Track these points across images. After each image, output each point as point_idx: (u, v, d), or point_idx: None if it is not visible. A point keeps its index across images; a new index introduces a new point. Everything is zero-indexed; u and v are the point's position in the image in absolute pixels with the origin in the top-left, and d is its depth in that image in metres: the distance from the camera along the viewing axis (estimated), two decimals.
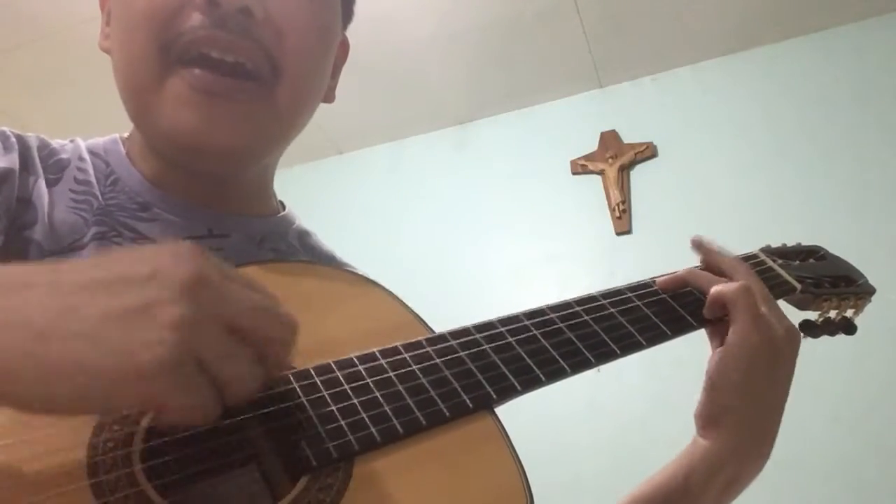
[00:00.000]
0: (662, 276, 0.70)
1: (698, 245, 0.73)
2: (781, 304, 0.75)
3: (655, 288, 0.68)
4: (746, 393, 0.63)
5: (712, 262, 0.71)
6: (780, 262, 0.77)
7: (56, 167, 0.62)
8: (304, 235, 0.74)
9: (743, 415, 0.63)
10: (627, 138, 2.47)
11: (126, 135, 0.69)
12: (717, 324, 0.66)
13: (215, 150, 0.59)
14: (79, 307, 0.36)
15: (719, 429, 0.63)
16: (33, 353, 0.34)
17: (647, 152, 2.42)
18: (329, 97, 0.73)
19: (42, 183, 0.59)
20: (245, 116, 0.59)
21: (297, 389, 0.47)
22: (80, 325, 0.35)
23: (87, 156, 0.65)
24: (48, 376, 0.34)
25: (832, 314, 0.76)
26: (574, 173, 2.50)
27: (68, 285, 0.36)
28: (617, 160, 2.42)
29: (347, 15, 0.72)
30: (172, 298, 0.36)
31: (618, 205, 2.36)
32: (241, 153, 0.61)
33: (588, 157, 2.49)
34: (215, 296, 0.38)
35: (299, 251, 0.72)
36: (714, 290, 0.66)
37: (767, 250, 0.80)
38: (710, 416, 0.64)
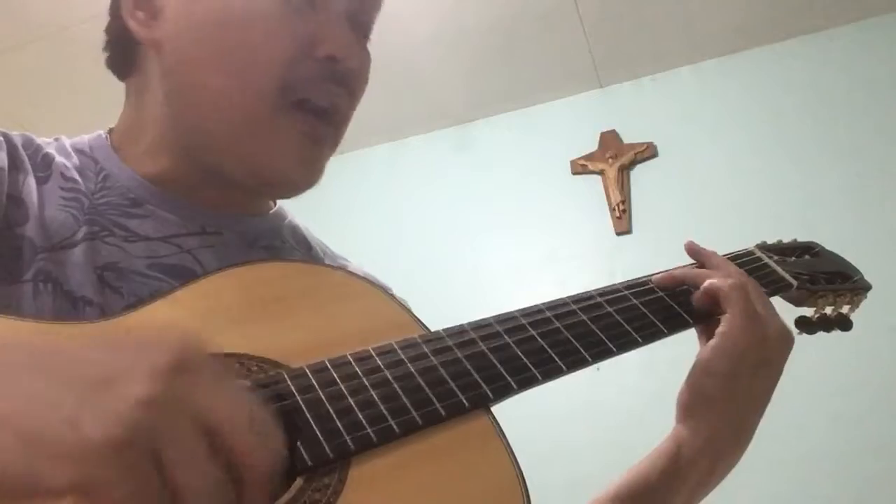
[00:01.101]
0: (659, 273, 0.70)
1: (693, 251, 0.74)
2: (777, 300, 0.75)
3: (652, 286, 0.68)
4: (729, 387, 0.63)
5: (709, 265, 0.71)
6: (775, 258, 0.77)
7: (44, 164, 0.62)
8: (295, 230, 0.74)
9: (722, 408, 0.64)
10: (627, 138, 2.47)
11: (108, 130, 0.68)
12: (710, 322, 0.67)
13: (295, 186, 0.65)
14: (43, 368, 0.32)
15: (697, 419, 0.64)
16: None
17: (647, 152, 2.42)
18: None
19: (32, 180, 0.59)
20: (324, 160, 0.66)
21: (293, 389, 0.47)
22: (37, 386, 0.31)
23: (72, 153, 0.64)
24: None
25: (828, 310, 0.76)
26: (574, 173, 2.50)
27: (38, 347, 0.34)
28: (617, 160, 2.42)
29: None
30: (144, 376, 0.32)
31: (618, 205, 2.36)
32: (307, 188, 0.67)
33: (588, 157, 2.48)
34: (196, 388, 0.33)
35: (294, 247, 0.72)
36: (709, 282, 0.66)
37: (763, 247, 0.80)
38: (690, 405, 0.65)
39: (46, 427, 0.30)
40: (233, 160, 0.63)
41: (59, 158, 0.63)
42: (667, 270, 0.71)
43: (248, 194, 0.68)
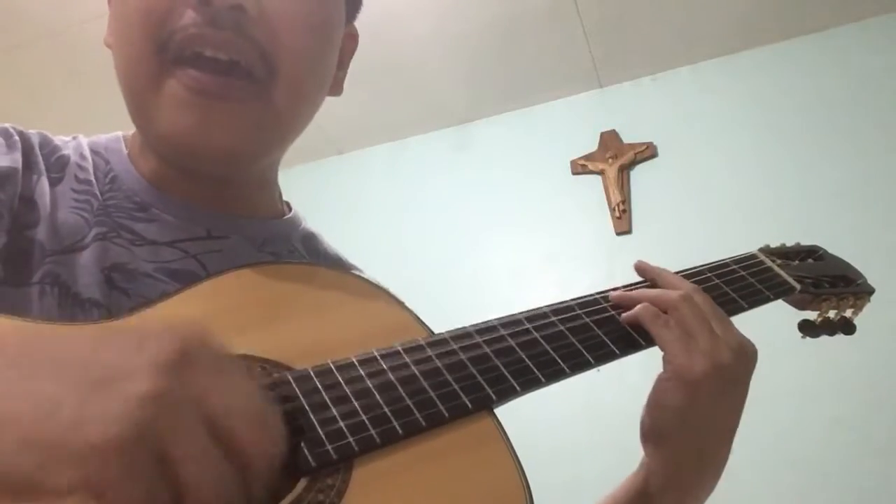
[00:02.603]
0: (616, 289, 0.66)
1: (641, 270, 0.69)
2: (780, 304, 0.75)
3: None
4: (684, 421, 0.59)
5: (660, 283, 0.67)
6: (779, 262, 0.77)
7: (58, 165, 0.61)
8: (309, 239, 0.73)
9: (681, 442, 0.60)
10: (627, 138, 2.47)
11: (129, 133, 0.68)
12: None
13: (212, 151, 0.58)
14: (42, 369, 0.32)
15: (658, 451, 0.62)
16: None
17: (647, 152, 2.43)
18: (336, 90, 0.71)
19: (45, 182, 0.59)
20: (242, 117, 0.58)
21: (297, 391, 0.47)
22: (37, 387, 0.31)
23: (88, 153, 0.64)
24: None
25: (831, 314, 0.76)
26: (574, 173, 2.50)
27: (37, 347, 0.33)
28: (617, 160, 2.42)
29: (354, 5, 0.70)
30: (146, 372, 0.31)
31: (618, 205, 2.36)
32: (239, 154, 0.60)
33: (588, 157, 2.49)
34: (201, 382, 0.33)
35: (303, 255, 0.71)
36: (636, 314, 0.61)
37: (766, 250, 0.80)
38: (649, 438, 0.62)
39: (49, 429, 0.29)
40: (154, 139, 0.60)
41: (73, 159, 0.63)
42: (627, 286, 0.67)
43: (211, 182, 0.63)
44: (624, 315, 0.63)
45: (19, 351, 0.33)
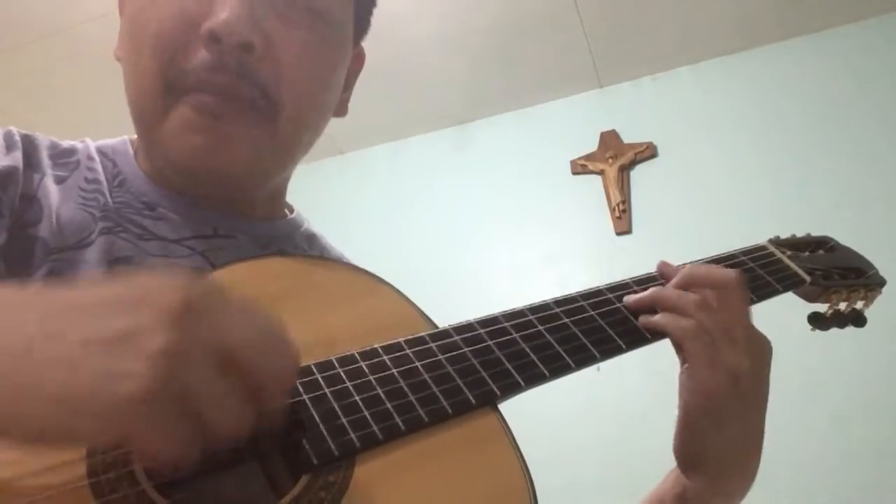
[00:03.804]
0: (624, 283, 0.66)
1: (663, 273, 0.67)
2: (789, 296, 0.73)
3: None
4: (722, 435, 0.60)
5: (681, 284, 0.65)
6: (788, 253, 0.76)
7: (65, 164, 0.62)
8: (311, 238, 0.73)
9: (722, 454, 0.61)
10: (627, 138, 2.46)
11: (135, 136, 0.69)
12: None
13: (216, 174, 0.59)
14: (60, 332, 0.34)
15: (702, 471, 0.62)
16: (7, 374, 0.32)
17: (647, 152, 2.42)
18: (341, 111, 0.72)
19: (49, 180, 0.59)
20: (247, 141, 0.58)
21: (299, 386, 0.47)
22: (59, 350, 0.33)
23: (96, 156, 0.64)
24: (20, 399, 0.32)
25: (842, 306, 0.74)
26: (574, 173, 2.50)
27: (54, 308, 0.35)
28: (617, 160, 2.42)
29: (362, 27, 0.71)
30: (159, 326, 0.34)
31: (618, 205, 2.36)
32: (242, 178, 0.61)
33: (588, 157, 2.48)
34: (207, 324, 0.35)
35: (307, 252, 0.71)
36: (661, 323, 0.61)
37: (776, 241, 0.79)
38: (689, 459, 0.62)
39: (79, 388, 0.32)
40: (160, 161, 0.61)
41: (83, 161, 0.63)
42: (637, 282, 0.66)
43: (217, 198, 0.64)
44: (643, 321, 0.62)
45: (25, 313, 0.35)
